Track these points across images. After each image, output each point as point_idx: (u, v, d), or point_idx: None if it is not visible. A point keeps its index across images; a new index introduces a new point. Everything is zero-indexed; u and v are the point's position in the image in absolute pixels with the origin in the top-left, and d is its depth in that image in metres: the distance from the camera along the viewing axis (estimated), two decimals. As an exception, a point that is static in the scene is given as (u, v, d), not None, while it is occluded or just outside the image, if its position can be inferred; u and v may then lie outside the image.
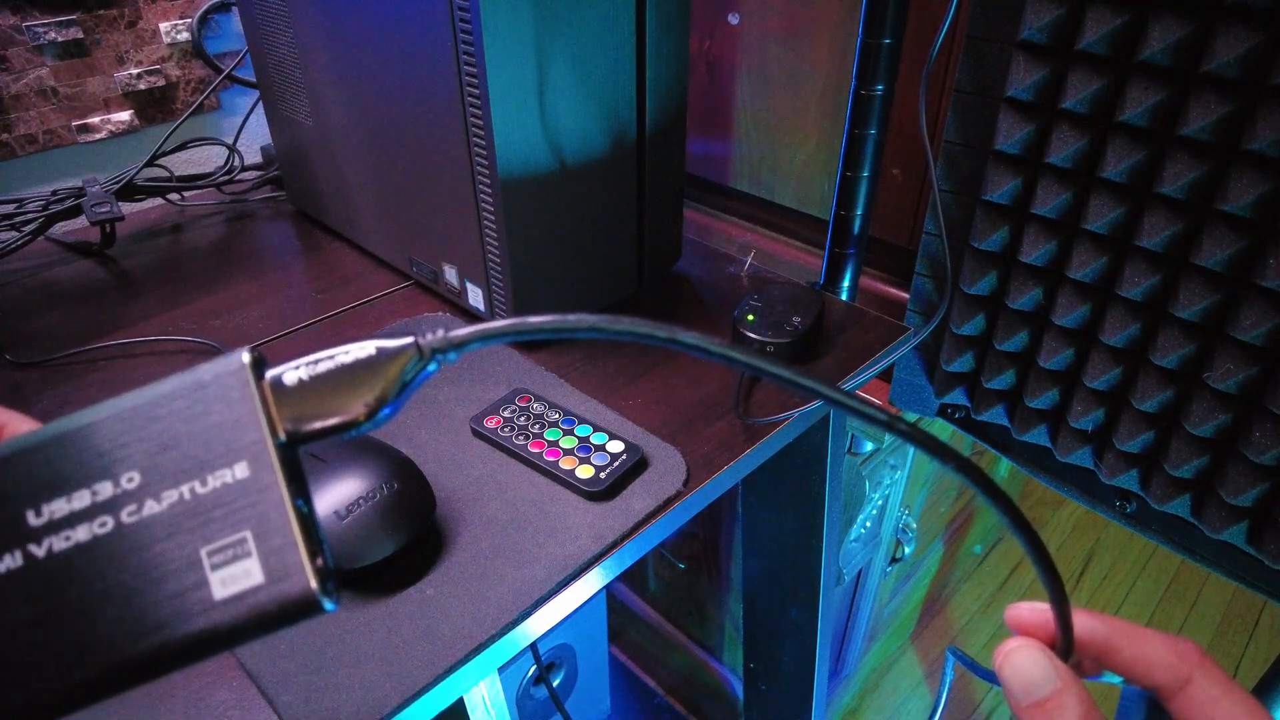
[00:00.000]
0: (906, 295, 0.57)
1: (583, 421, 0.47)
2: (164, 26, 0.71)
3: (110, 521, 0.17)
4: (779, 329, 0.51)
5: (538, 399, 0.49)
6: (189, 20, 0.72)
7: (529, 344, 0.56)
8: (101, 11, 0.68)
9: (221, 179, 0.76)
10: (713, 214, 0.85)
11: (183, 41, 0.73)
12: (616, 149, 0.53)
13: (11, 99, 0.66)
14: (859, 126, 0.55)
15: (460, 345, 0.19)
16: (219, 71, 0.74)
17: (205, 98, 0.74)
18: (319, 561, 0.17)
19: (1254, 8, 0.36)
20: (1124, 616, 0.22)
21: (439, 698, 0.36)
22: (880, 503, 0.76)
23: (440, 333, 0.19)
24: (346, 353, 0.18)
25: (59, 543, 0.17)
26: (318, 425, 0.18)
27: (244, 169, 0.78)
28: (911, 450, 0.75)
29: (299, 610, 0.17)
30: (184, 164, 0.75)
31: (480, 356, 0.54)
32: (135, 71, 0.71)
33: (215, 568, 0.17)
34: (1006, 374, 0.53)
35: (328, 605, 0.17)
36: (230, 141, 0.77)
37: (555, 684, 0.69)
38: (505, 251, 0.51)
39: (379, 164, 0.59)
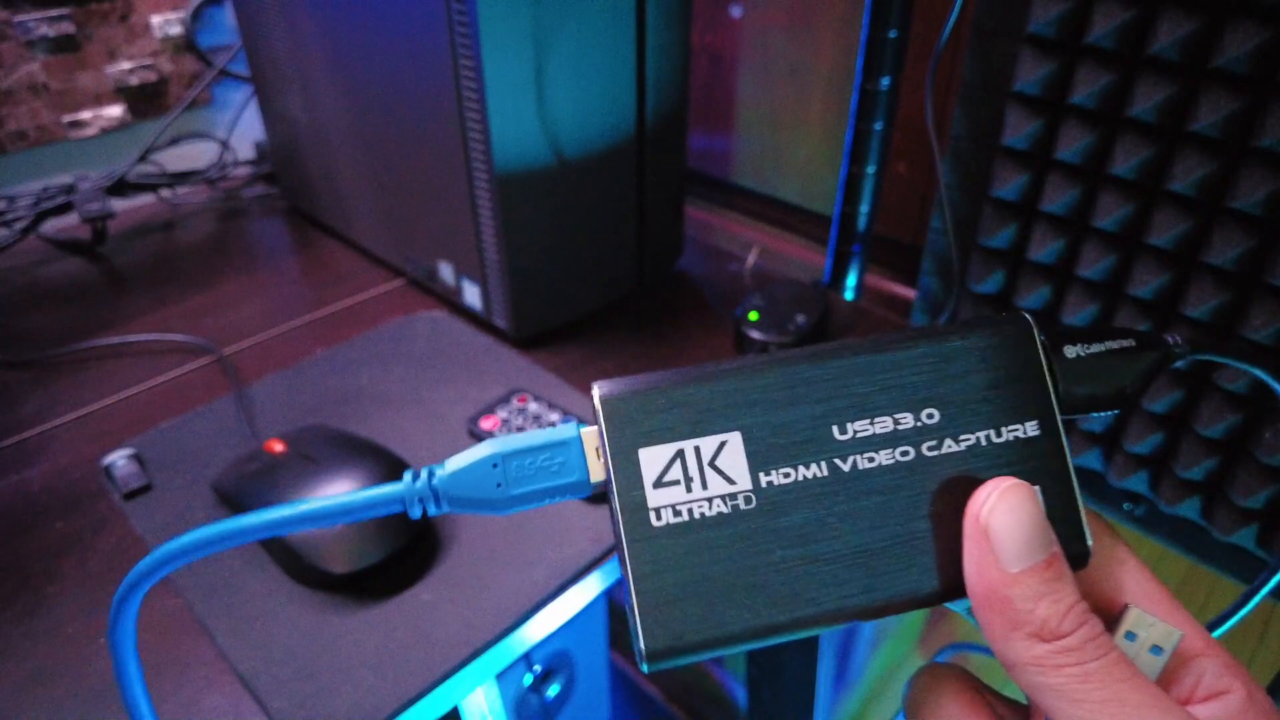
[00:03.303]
0: (912, 293, 0.56)
1: (581, 422, 0.46)
2: (156, 20, 0.70)
3: (911, 451, 0.18)
4: (782, 328, 0.51)
5: (535, 399, 0.48)
6: (181, 14, 0.71)
7: (526, 342, 0.55)
8: (93, 5, 0.67)
9: (214, 175, 0.75)
10: (714, 210, 0.84)
11: (175, 35, 0.72)
12: (616, 143, 0.52)
13: (2, 94, 0.65)
14: (864, 121, 0.55)
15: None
16: (212, 66, 0.74)
17: (198, 93, 0.73)
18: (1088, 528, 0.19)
19: (1263, 2, 0.36)
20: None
21: (434, 704, 0.35)
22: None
23: (1180, 339, 0.21)
24: (1115, 338, 0.20)
25: (863, 462, 0.18)
26: (1083, 399, 0.19)
27: (237, 165, 0.77)
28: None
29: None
30: (176, 160, 0.75)
31: (476, 355, 0.54)
32: (127, 66, 0.70)
33: None
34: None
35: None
36: (223, 137, 0.76)
37: (554, 691, 0.68)
38: (502, 248, 0.50)
39: (374, 159, 0.58)
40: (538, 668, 0.65)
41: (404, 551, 0.39)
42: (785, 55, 0.71)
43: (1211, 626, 0.21)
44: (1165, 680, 0.18)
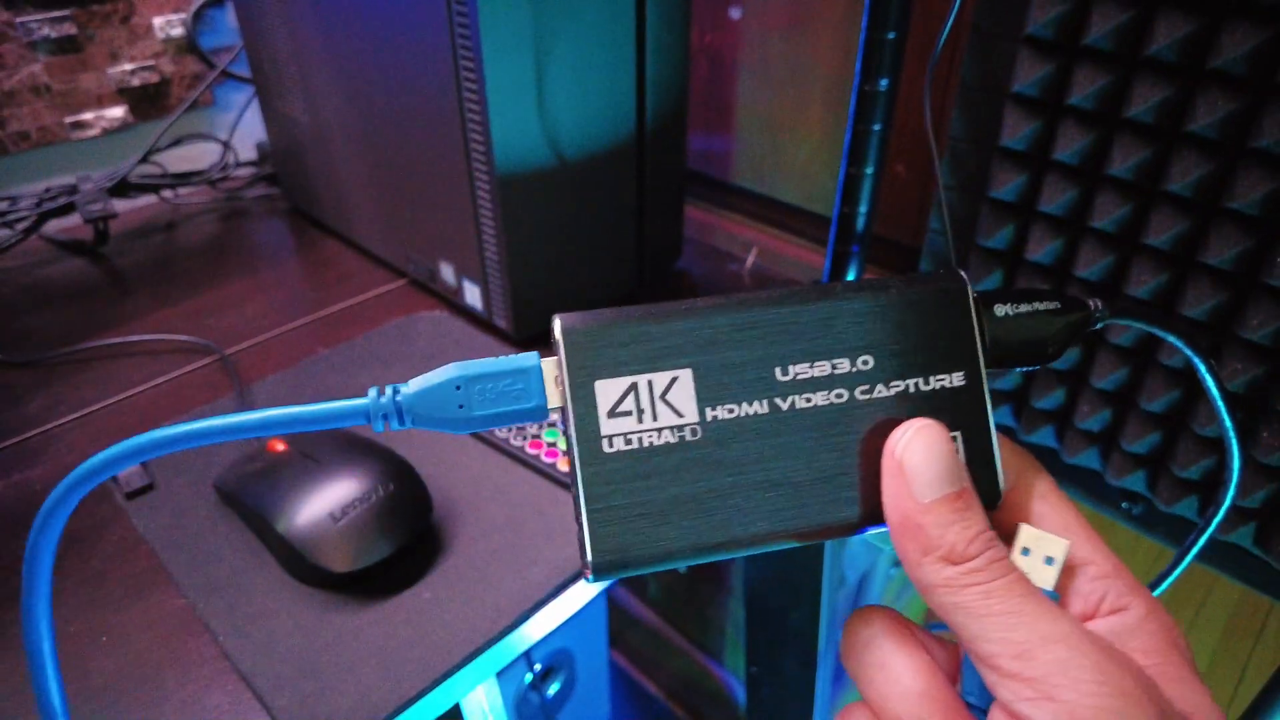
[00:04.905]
0: (909, 294, 0.56)
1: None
2: (158, 21, 0.70)
3: (845, 394, 0.19)
4: (781, 328, 0.51)
5: (536, 399, 0.48)
6: (183, 15, 0.72)
7: (526, 342, 0.55)
8: (95, 7, 0.67)
9: (216, 176, 0.75)
10: (714, 211, 0.84)
11: (177, 37, 0.72)
12: (616, 145, 0.53)
13: (4, 95, 0.65)
14: (862, 122, 0.55)
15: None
16: (213, 67, 0.74)
17: (200, 94, 0.73)
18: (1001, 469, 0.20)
19: (1261, 3, 0.36)
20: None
21: (435, 702, 0.35)
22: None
23: (1101, 303, 0.22)
24: (1042, 299, 0.21)
25: (800, 402, 0.19)
26: (1007, 355, 0.21)
27: (238, 166, 0.77)
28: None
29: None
30: (178, 161, 0.75)
31: (477, 354, 0.54)
32: (129, 67, 0.70)
33: None
34: (1013, 374, 0.52)
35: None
36: (225, 138, 0.76)
37: (554, 689, 0.68)
38: (502, 249, 0.50)
39: (375, 160, 0.58)
40: (538, 666, 0.65)
41: (405, 550, 0.39)
42: (784, 57, 0.71)
43: (1151, 587, 0.23)
44: (1071, 596, 0.20)
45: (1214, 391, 0.22)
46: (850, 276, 0.63)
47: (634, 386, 0.19)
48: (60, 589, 0.39)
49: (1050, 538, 0.19)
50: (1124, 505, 0.51)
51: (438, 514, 0.42)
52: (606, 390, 0.19)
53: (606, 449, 0.18)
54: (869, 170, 0.57)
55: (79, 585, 0.39)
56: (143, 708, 0.34)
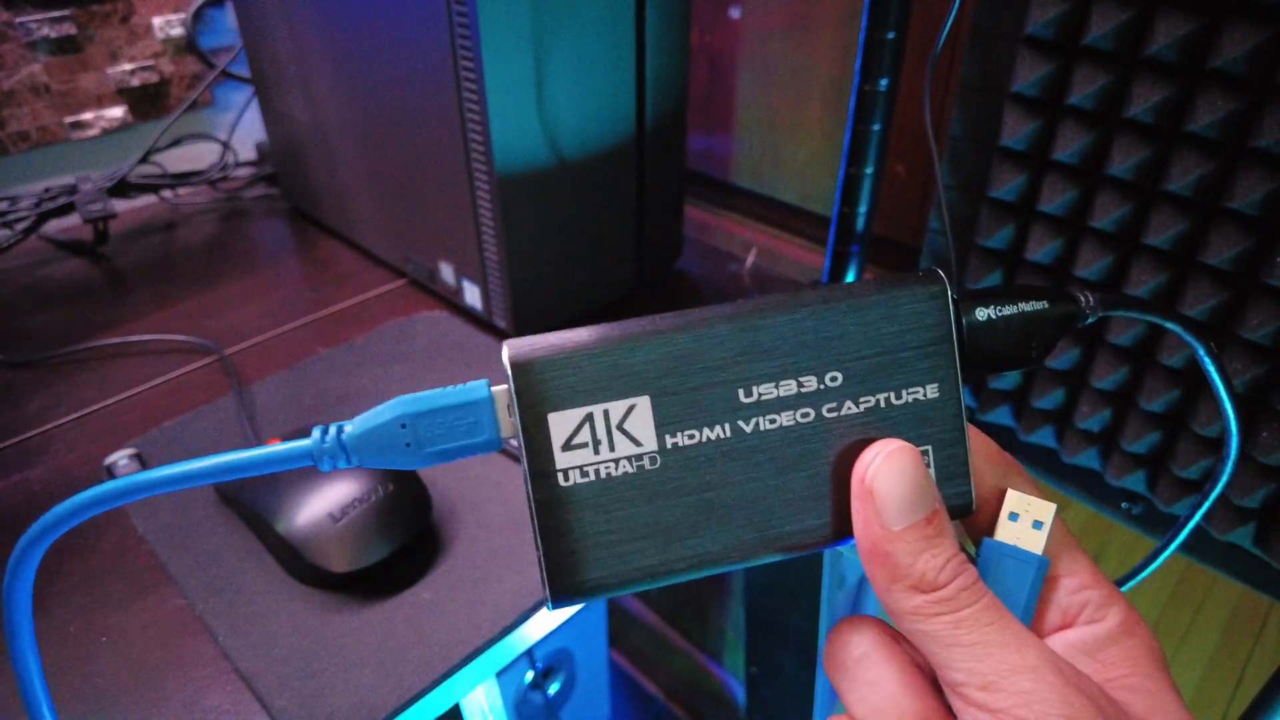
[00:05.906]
0: (909, 294, 0.56)
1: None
2: (157, 21, 0.70)
3: (812, 413, 0.19)
4: (781, 328, 0.51)
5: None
6: (183, 15, 0.72)
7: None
8: (95, 7, 0.67)
9: (215, 176, 0.75)
10: (714, 211, 0.84)
11: (176, 37, 0.72)
12: (616, 144, 0.53)
13: (4, 95, 0.65)
14: (862, 122, 0.55)
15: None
16: (213, 67, 0.74)
17: (199, 94, 0.73)
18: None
19: (1261, 3, 0.36)
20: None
21: (435, 703, 0.35)
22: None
23: (1093, 298, 0.20)
24: (1028, 299, 0.20)
25: (764, 423, 0.18)
26: (990, 361, 0.20)
27: (238, 166, 0.77)
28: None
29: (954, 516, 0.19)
30: (177, 161, 0.75)
31: (477, 355, 0.54)
32: (129, 67, 0.70)
33: None
34: (1012, 374, 0.52)
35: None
36: (224, 138, 0.76)
37: (554, 689, 0.68)
38: (502, 249, 0.50)
39: (374, 160, 0.58)
40: (539, 665, 0.65)
41: (405, 550, 0.39)
42: (784, 56, 0.71)
43: (1123, 581, 0.22)
44: (1050, 609, 0.19)
45: (1214, 375, 0.21)
46: (850, 277, 0.63)
47: (589, 417, 0.18)
48: (60, 589, 0.39)
49: (1038, 502, 0.19)
50: (1124, 505, 0.51)
51: (438, 514, 0.42)
52: (560, 423, 0.18)
53: (563, 482, 0.18)
54: (869, 170, 0.57)
55: (79, 586, 0.39)
56: (143, 708, 0.34)
